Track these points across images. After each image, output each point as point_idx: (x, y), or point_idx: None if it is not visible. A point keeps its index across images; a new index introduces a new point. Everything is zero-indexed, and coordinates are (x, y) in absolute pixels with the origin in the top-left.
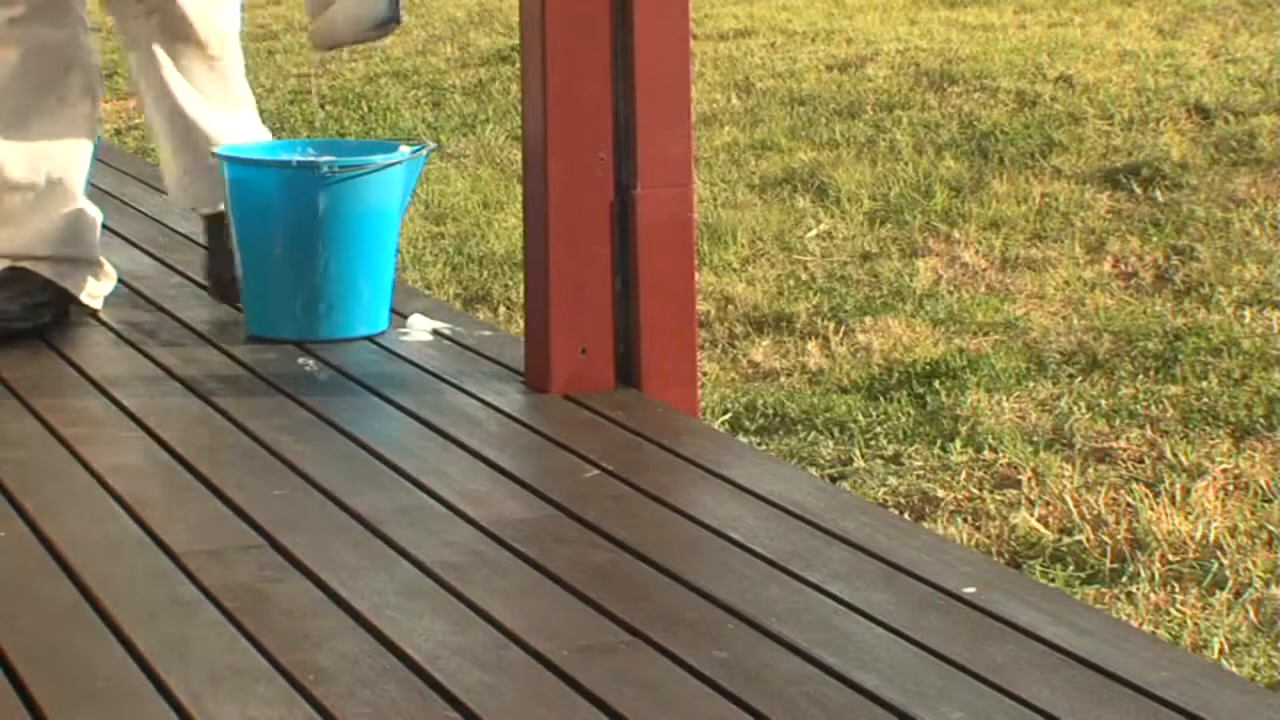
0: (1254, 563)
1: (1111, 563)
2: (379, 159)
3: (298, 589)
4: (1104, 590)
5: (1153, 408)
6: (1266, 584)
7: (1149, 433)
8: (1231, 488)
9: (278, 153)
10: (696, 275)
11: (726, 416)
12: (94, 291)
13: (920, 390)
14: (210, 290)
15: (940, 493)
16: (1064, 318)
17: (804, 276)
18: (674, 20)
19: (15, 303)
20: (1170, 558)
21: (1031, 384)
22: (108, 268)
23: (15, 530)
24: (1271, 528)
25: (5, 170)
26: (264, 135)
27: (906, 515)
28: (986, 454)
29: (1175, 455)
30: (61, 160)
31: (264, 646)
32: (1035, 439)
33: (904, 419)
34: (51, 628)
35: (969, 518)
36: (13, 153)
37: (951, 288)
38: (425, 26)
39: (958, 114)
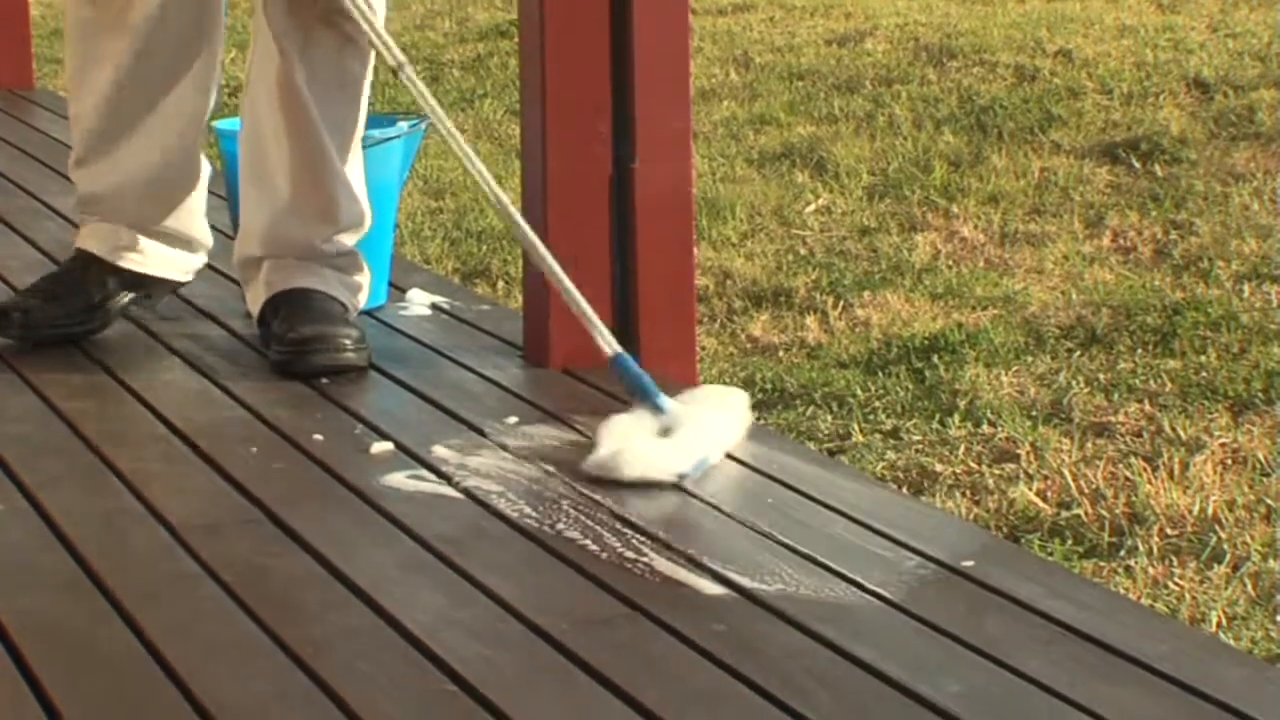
0: (1252, 536)
1: (1110, 536)
2: (376, 134)
3: (297, 563)
4: (1102, 564)
5: (1151, 382)
6: (1264, 557)
7: (1147, 407)
8: (1230, 462)
9: None
10: (695, 250)
11: None
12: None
13: (919, 365)
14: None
15: (939, 467)
16: (1063, 292)
17: (802, 251)
18: None
19: None
20: (1168, 531)
21: (1030, 358)
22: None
23: (14, 505)
24: (1269, 501)
25: None
26: None
27: (905, 489)
28: (985, 428)
29: (1174, 429)
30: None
31: (263, 620)
32: (1034, 413)
33: (902, 393)
34: (50, 602)
35: (967, 492)
36: None
37: (950, 262)
38: (424, 1)
39: (957, 88)
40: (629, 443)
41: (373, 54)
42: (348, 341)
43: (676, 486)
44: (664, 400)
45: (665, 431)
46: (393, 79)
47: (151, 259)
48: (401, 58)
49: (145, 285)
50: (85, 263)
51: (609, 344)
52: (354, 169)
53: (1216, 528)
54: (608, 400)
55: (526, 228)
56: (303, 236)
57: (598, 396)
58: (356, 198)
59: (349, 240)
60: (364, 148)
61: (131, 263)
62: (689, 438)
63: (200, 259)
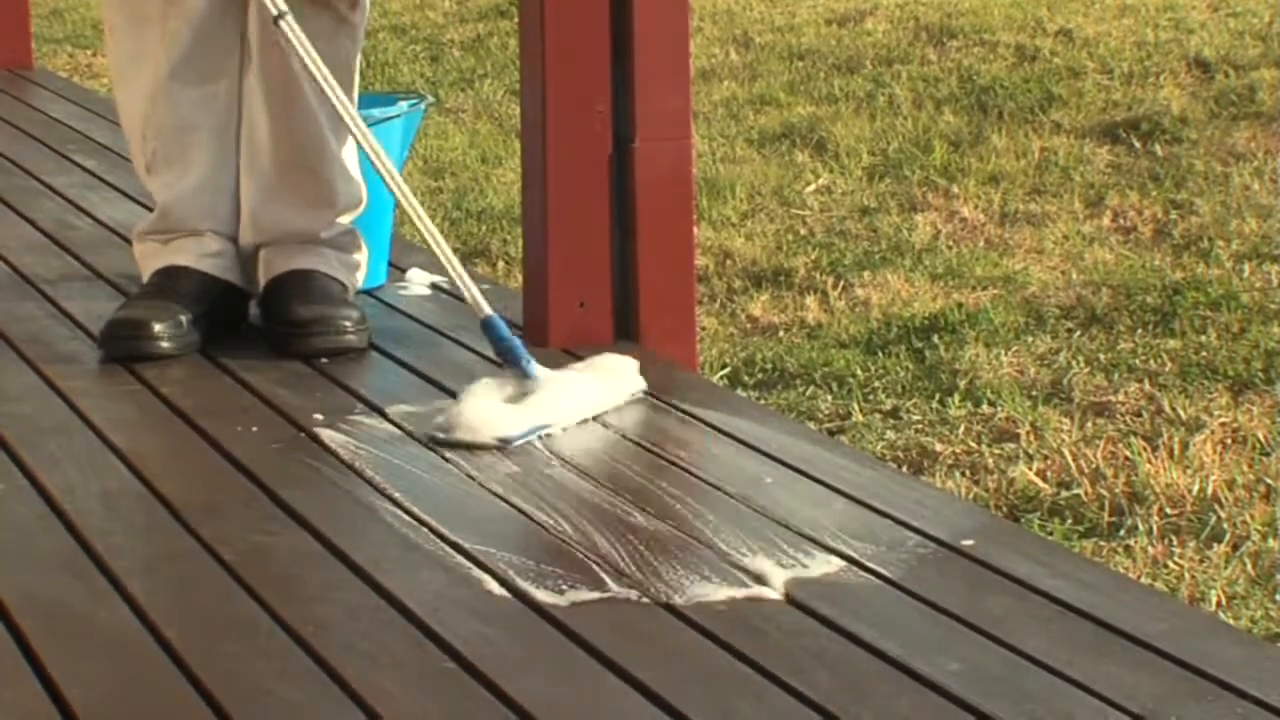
0: (1251, 516)
1: (1109, 516)
2: (376, 113)
3: (296, 542)
4: (1102, 543)
5: (1151, 362)
6: (1264, 537)
7: (1147, 387)
8: (1229, 441)
9: None
10: (695, 230)
11: (725, 371)
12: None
13: (919, 345)
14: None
15: (939, 447)
16: (1063, 272)
17: (803, 231)
18: None
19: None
20: (1168, 511)
21: (1030, 338)
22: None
23: (14, 483)
24: (1269, 481)
25: None
26: None
27: (905, 469)
28: (985, 408)
29: (1173, 409)
30: None
31: (263, 599)
32: (1034, 393)
33: (902, 373)
34: (51, 581)
35: (967, 471)
36: None
37: (950, 242)
38: None
39: (957, 68)
40: (467, 404)
41: (363, 31)
42: (348, 323)
43: (679, 465)
44: (532, 366)
45: (520, 397)
46: (391, 60)
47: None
48: (284, 7)
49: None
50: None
51: (481, 307)
52: (349, 149)
53: (1216, 507)
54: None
55: (399, 181)
56: (304, 224)
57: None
58: (353, 178)
59: (347, 220)
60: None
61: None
62: (535, 405)
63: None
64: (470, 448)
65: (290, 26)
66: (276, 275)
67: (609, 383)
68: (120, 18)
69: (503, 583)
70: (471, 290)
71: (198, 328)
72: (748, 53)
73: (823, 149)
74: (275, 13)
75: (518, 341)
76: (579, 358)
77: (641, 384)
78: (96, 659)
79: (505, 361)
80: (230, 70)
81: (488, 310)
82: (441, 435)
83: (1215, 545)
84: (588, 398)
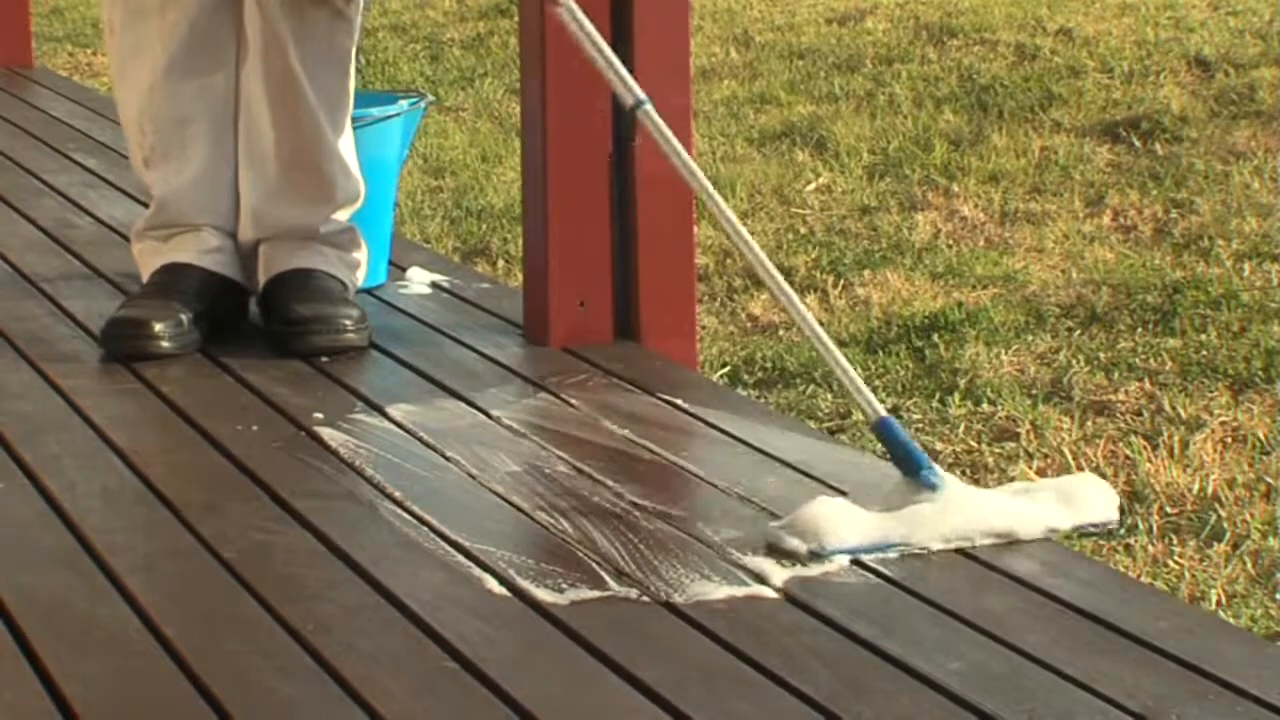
0: (1252, 515)
1: None
2: (376, 111)
3: (296, 540)
4: (1102, 542)
5: (1151, 361)
6: (1264, 536)
7: (1147, 385)
8: (1230, 440)
9: None
10: (695, 228)
11: (725, 370)
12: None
13: (919, 343)
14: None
15: (939, 445)
16: (1063, 271)
17: (803, 230)
18: None
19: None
20: (1168, 510)
21: (1030, 337)
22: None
23: (14, 482)
24: (1269, 480)
25: None
26: None
27: None
28: (985, 407)
29: (1174, 408)
30: None
31: (263, 597)
32: (1034, 392)
33: (903, 372)
34: (51, 579)
35: (967, 470)
36: None
37: (950, 241)
38: None
39: (957, 67)
40: (819, 503)
41: (359, 27)
42: (348, 322)
43: (679, 464)
44: (934, 475)
45: (904, 505)
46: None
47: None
48: (641, 95)
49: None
50: None
51: (875, 407)
52: (347, 144)
53: (1216, 506)
54: (606, 378)
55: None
56: (302, 219)
57: (596, 374)
58: (351, 173)
59: (346, 215)
60: (363, 126)
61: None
62: (908, 518)
63: None
64: (791, 556)
65: (649, 114)
66: (276, 274)
67: (1047, 507)
68: (119, 15)
69: (503, 581)
70: (864, 392)
71: (198, 326)
72: (748, 52)
73: (823, 148)
74: (632, 101)
75: (916, 446)
76: (580, 357)
77: (1110, 516)
78: (96, 657)
79: (903, 470)
80: (228, 63)
81: (881, 411)
82: (771, 534)
83: (1215, 544)
84: (986, 520)
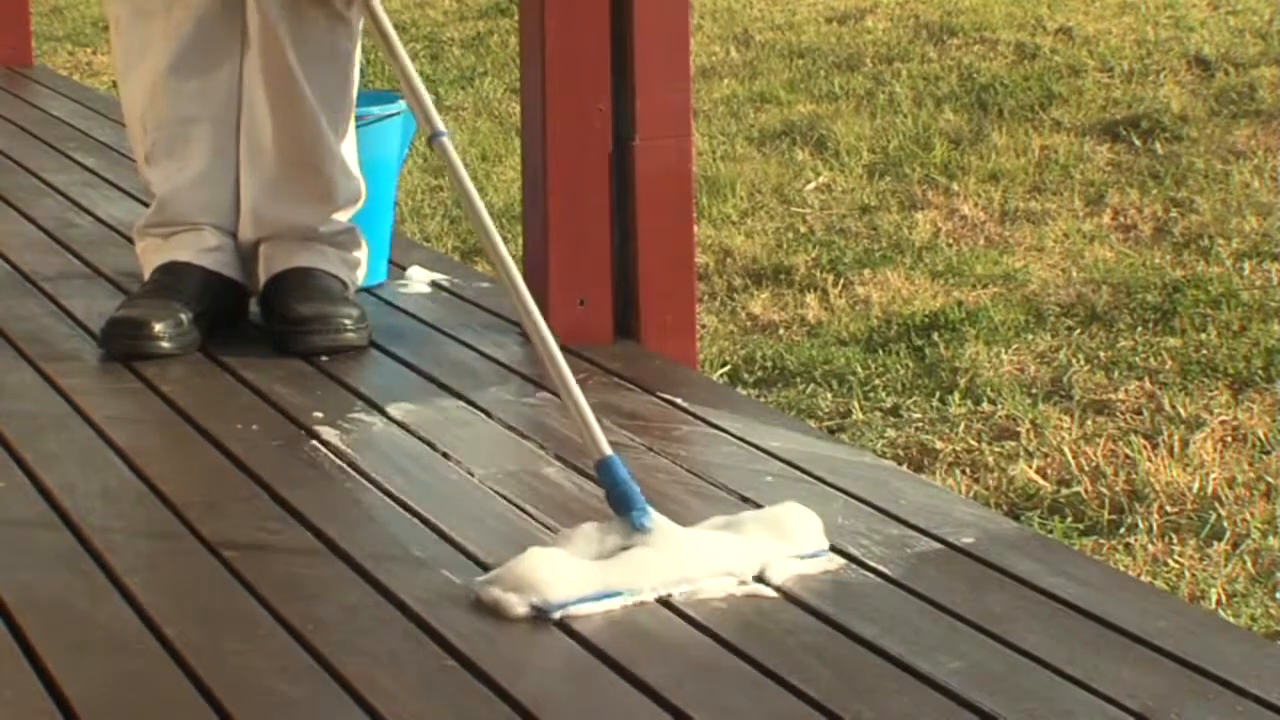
0: (1252, 514)
1: (1110, 514)
2: (376, 111)
3: (296, 540)
4: (1102, 541)
5: (1151, 360)
6: (1264, 535)
7: (1147, 384)
8: (1230, 439)
9: None
10: (695, 227)
11: (725, 369)
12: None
13: (919, 342)
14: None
15: (939, 445)
16: (1063, 270)
17: (803, 229)
18: None
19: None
20: (1168, 509)
21: (1030, 336)
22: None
23: (14, 481)
24: (1269, 479)
25: None
26: None
27: (905, 467)
28: (985, 406)
29: (1174, 407)
30: None
31: (263, 596)
32: (1034, 391)
33: (903, 371)
34: (50, 578)
35: (967, 469)
36: None
37: (950, 240)
38: None
39: (957, 66)
40: (532, 556)
41: (361, 29)
42: (348, 321)
43: (679, 463)
44: (646, 518)
45: (617, 551)
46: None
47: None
48: (440, 127)
49: None
50: None
51: (600, 446)
52: (348, 145)
53: (1216, 505)
54: (606, 377)
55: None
56: (303, 219)
57: (596, 373)
58: (352, 174)
59: (346, 216)
60: (364, 125)
61: None
62: (623, 566)
63: None
64: (499, 614)
65: (445, 146)
66: (277, 273)
67: (761, 542)
68: (124, 12)
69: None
70: (592, 428)
71: (198, 326)
72: (748, 50)
73: (823, 147)
74: (431, 132)
75: (635, 489)
76: (579, 356)
77: (821, 545)
78: (96, 656)
79: (615, 510)
80: (230, 63)
81: (606, 450)
82: (478, 588)
83: (1215, 543)
84: (705, 563)
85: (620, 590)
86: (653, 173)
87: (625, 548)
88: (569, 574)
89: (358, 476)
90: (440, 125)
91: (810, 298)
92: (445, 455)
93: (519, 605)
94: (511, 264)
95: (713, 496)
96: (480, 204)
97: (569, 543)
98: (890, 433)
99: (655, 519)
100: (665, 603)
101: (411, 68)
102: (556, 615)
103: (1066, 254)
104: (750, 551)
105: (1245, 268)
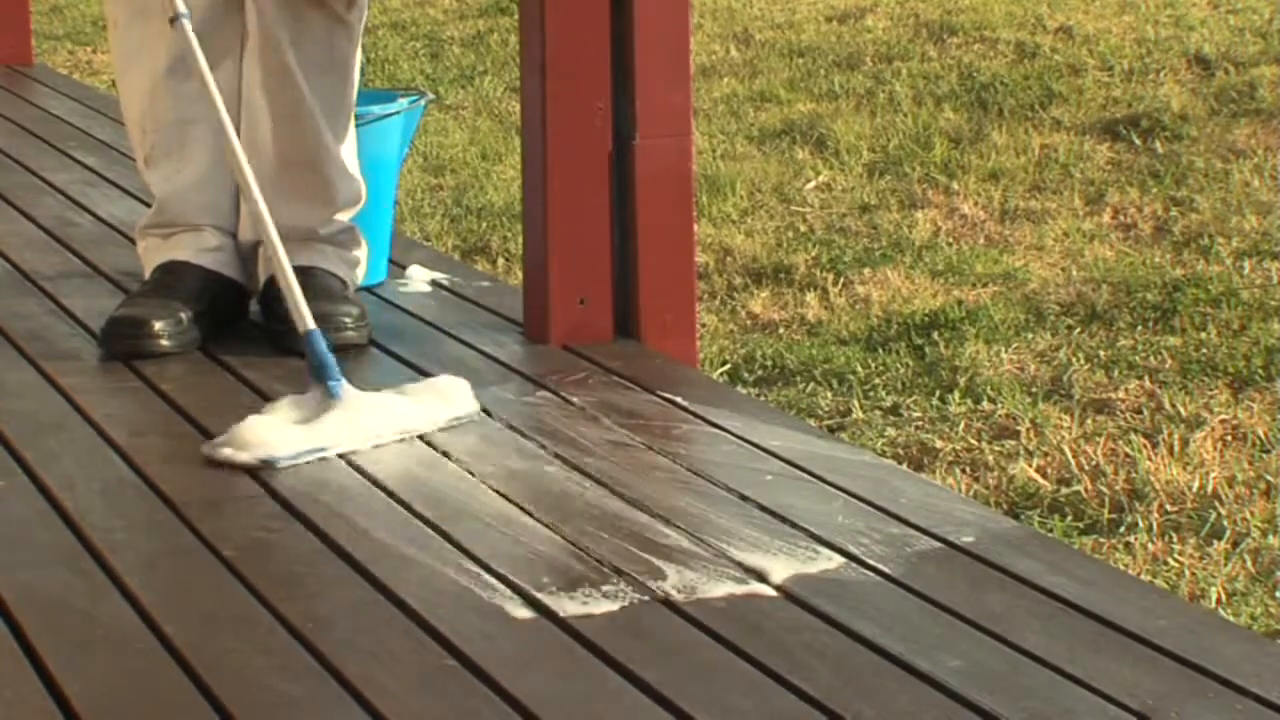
0: (1252, 513)
1: (1110, 513)
2: (376, 109)
3: (296, 538)
4: (1102, 540)
5: (1151, 359)
6: (1264, 534)
7: (1147, 383)
8: (1230, 438)
9: None
10: (695, 226)
11: (725, 368)
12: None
13: (919, 341)
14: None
15: (939, 444)
16: (1063, 269)
17: (803, 228)
18: None
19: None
20: (1168, 508)
21: (1030, 335)
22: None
23: (14, 480)
24: (1269, 478)
25: None
26: None
27: (905, 466)
28: (985, 405)
29: (1174, 406)
30: None
31: (263, 595)
32: (1034, 390)
33: (903, 370)
34: (50, 577)
35: (967, 468)
36: None
37: (950, 239)
38: None
39: (957, 65)
40: (249, 421)
41: (361, 31)
42: (348, 320)
43: (679, 461)
44: (338, 386)
45: (315, 417)
46: (390, 57)
47: None
48: (183, 9)
49: None
50: None
51: (305, 319)
52: (348, 147)
53: (1216, 504)
54: (606, 376)
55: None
56: (303, 221)
57: (596, 372)
58: (352, 176)
59: (346, 217)
60: (364, 124)
61: None
62: (321, 427)
63: None
64: (233, 466)
65: (186, 27)
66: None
67: (427, 405)
68: (122, 13)
69: (502, 579)
70: (298, 301)
71: (198, 325)
72: (748, 49)
73: (823, 146)
74: (173, 14)
75: (331, 360)
76: (580, 355)
77: (472, 407)
78: (96, 655)
79: (313, 378)
80: (230, 65)
81: (310, 324)
82: (207, 450)
83: (1215, 542)
84: (389, 422)
85: (325, 445)
86: (653, 172)
87: (321, 413)
88: (285, 433)
89: (357, 474)
90: (182, 7)
91: (810, 297)
92: (445, 454)
93: (249, 459)
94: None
95: (713, 495)
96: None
97: (277, 410)
98: (890, 431)
99: (345, 387)
100: (665, 602)
101: None
102: (281, 466)
103: (1066, 253)
104: (421, 412)
105: (1245, 267)
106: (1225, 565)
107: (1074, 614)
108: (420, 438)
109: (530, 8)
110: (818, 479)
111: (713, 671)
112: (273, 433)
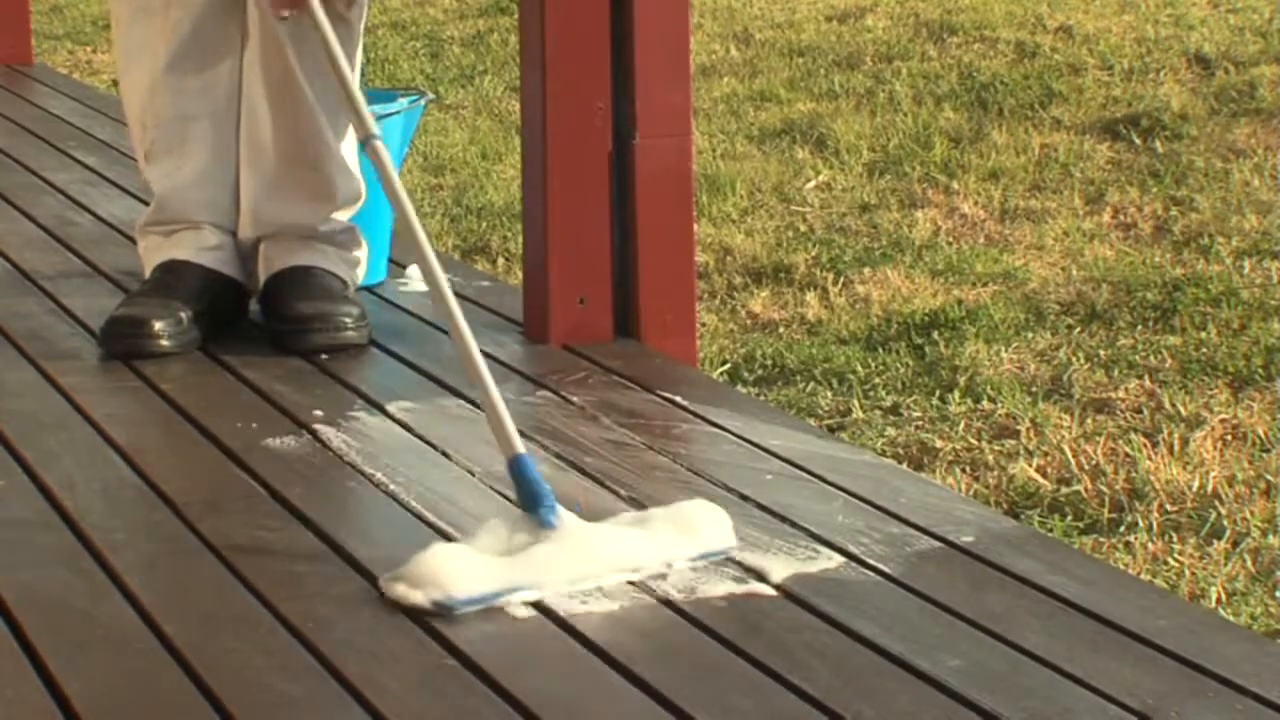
0: (1252, 512)
1: (1110, 512)
2: (376, 109)
3: (296, 538)
4: (1102, 540)
5: (1151, 358)
6: (1264, 533)
7: (1147, 383)
8: (1229, 438)
9: None
10: (695, 226)
11: (725, 367)
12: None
13: (919, 341)
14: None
15: (939, 443)
16: (1063, 268)
17: (803, 228)
18: None
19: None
20: (1168, 507)
21: (1030, 334)
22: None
23: (14, 480)
24: (1269, 477)
25: None
26: None
27: (905, 465)
28: (985, 404)
29: (1174, 405)
30: None
31: (263, 595)
32: (1034, 389)
33: (902, 370)
34: (50, 577)
35: (967, 468)
36: None
37: (950, 239)
38: None
39: (957, 65)
40: (439, 551)
41: (361, 29)
42: (348, 320)
43: (679, 461)
44: (553, 515)
45: (524, 547)
46: (390, 57)
47: None
48: (375, 130)
49: None
50: None
51: (510, 444)
52: (348, 144)
53: (1216, 504)
54: (606, 375)
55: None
56: (303, 218)
57: (596, 371)
58: (352, 174)
59: (346, 215)
60: None
61: None
62: (528, 562)
63: None
64: (403, 609)
65: (380, 149)
66: (276, 271)
67: (668, 540)
68: (125, 10)
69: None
70: (504, 423)
71: (198, 325)
72: (748, 49)
73: (823, 145)
74: (363, 136)
75: (546, 487)
76: (580, 355)
77: (729, 541)
78: (96, 655)
79: (524, 507)
80: (230, 62)
81: (519, 448)
82: (384, 584)
83: (1215, 542)
84: (612, 560)
85: (525, 585)
86: (653, 171)
87: (532, 544)
88: (473, 570)
89: (358, 475)
90: (374, 128)
91: (810, 296)
92: (445, 454)
93: (422, 601)
94: (439, 270)
95: (713, 495)
96: (412, 209)
97: (476, 539)
98: (890, 431)
99: (563, 516)
100: (665, 602)
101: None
102: (459, 611)
103: (1066, 252)
104: (655, 547)
105: (1245, 266)
106: (1225, 565)
107: (1074, 614)
108: (420, 438)
109: (530, 7)
110: (818, 479)
111: (713, 671)
112: (459, 567)
